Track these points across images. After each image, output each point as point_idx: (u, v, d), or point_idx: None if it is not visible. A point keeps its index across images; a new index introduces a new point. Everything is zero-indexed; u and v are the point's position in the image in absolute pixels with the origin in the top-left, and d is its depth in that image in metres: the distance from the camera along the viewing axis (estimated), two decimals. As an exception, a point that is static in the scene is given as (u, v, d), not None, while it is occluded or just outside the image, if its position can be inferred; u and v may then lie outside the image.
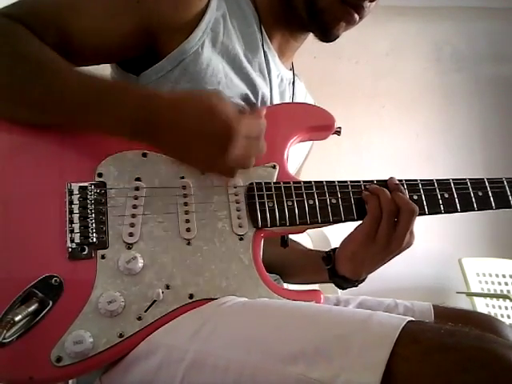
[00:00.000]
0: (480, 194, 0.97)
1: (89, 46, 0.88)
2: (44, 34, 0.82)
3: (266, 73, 1.03)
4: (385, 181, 0.94)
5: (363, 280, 0.99)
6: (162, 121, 0.76)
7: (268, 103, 1.02)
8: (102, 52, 0.90)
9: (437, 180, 0.96)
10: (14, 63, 0.78)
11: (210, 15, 0.93)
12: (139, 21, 0.88)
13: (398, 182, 0.93)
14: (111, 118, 0.77)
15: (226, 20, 0.96)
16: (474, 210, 0.96)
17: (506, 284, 2.99)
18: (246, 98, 0.97)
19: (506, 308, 2.84)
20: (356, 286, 0.99)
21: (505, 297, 2.84)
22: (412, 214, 0.87)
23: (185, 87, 0.91)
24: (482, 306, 2.81)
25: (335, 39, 1.03)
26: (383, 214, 0.88)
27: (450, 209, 0.94)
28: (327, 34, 1.02)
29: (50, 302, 0.72)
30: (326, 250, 1.03)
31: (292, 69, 1.17)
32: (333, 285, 1.54)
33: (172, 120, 0.76)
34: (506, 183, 0.99)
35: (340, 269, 0.97)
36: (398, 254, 0.91)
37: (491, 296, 2.90)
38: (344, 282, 0.99)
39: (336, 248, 1.00)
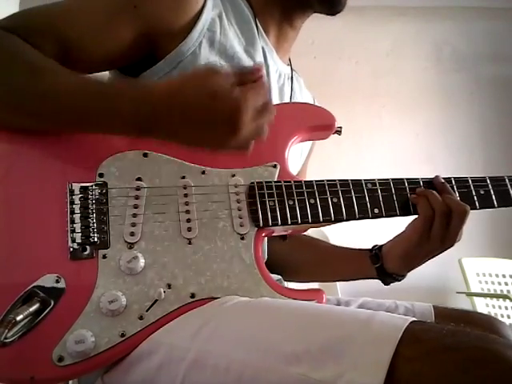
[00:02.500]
0: (482, 192, 0.97)
1: (88, 55, 0.87)
2: (41, 46, 0.81)
3: (265, 68, 1.03)
4: (385, 180, 0.95)
5: (406, 275, 1.03)
6: (164, 113, 0.73)
7: None
8: (101, 60, 0.89)
9: None
10: (9, 72, 0.77)
11: (207, 15, 0.93)
12: (137, 26, 0.87)
13: (444, 181, 0.96)
14: (113, 121, 0.76)
15: (223, 18, 0.96)
16: (475, 208, 0.96)
17: (506, 284, 2.98)
18: None
19: (506, 308, 2.84)
20: (399, 280, 1.03)
21: (505, 297, 2.83)
22: (464, 214, 0.91)
23: None
24: (482, 305, 2.81)
25: (342, 9, 1.04)
26: (435, 215, 0.91)
27: None
28: (335, 3, 1.03)
29: (52, 302, 0.72)
30: (366, 248, 1.07)
31: (290, 64, 1.17)
32: (333, 286, 1.55)
33: (175, 110, 0.73)
34: (507, 181, 0.99)
35: (389, 267, 1.01)
36: (448, 248, 0.94)
37: (491, 296, 2.89)
38: (390, 278, 1.03)
39: (379, 246, 1.04)
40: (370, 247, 1.06)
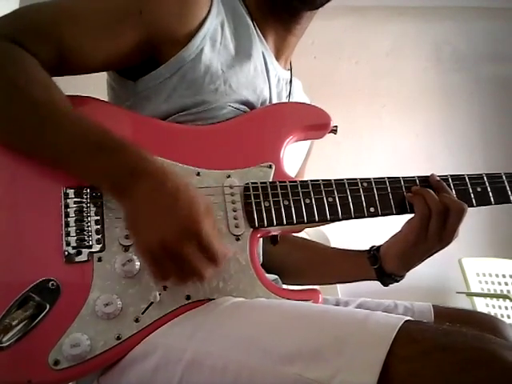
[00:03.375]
0: (479, 189, 0.97)
1: (90, 59, 0.87)
2: (41, 50, 0.81)
3: (265, 74, 1.03)
4: (382, 178, 0.94)
5: (405, 275, 1.02)
6: (144, 183, 0.72)
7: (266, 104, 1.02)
8: (102, 64, 0.90)
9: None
10: (7, 95, 0.77)
11: (210, 23, 0.93)
12: (141, 32, 0.88)
13: (439, 179, 0.95)
14: (95, 174, 0.76)
15: (225, 26, 0.96)
16: (472, 205, 0.96)
17: (506, 284, 2.98)
18: (246, 103, 0.96)
19: (506, 308, 2.83)
20: (398, 281, 1.02)
21: (505, 297, 2.83)
22: (462, 212, 0.90)
23: (183, 94, 0.91)
24: (482, 306, 2.81)
25: (323, 3, 1.00)
26: (432, 214, 0.90)
27: None
28: None
29: (47, 306, 0.72)
30: (364, 249, 1.06)
31: (290, 69, 1.16)
32: (332, 286, 1.54)
33: (154, 186, 0.72)
34: (504, 178, 0.99)
35: (388, 267, 1.00)
36: (446, 247, 0.93)
37: (491, 296, 2.89)
38: (389, 279, 1.01)
39: (376, 246, 1.03)
40: (368, 248, 1.05)
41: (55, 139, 0.76)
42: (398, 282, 1.02)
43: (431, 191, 0.92)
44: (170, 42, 0.90)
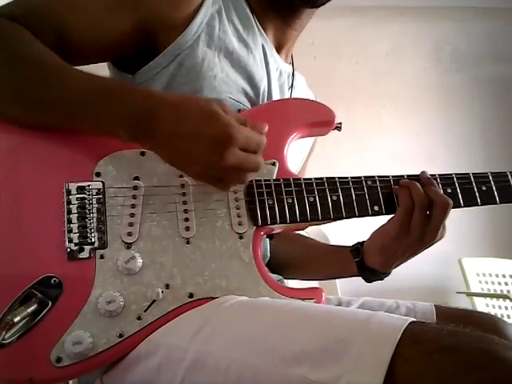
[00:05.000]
0: (484, 188, 0.96)
1: (87, 44, 0.88)
2: (42, 33, 0.82)
3: (265, 66, 1.03)
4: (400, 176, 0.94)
5: (389, 273, 1.00)
6: (160, 122, 0.72)
7: (266, 97, 1.02)
8: (100, 50, 0.90)
9: (440, 175, 0.96)
10: (13, 63, 0.78)
11: (206, 10, 0.93)
12: (138, 18, 0.88)
13: (430, 177, 0.94)
14: (110, 119, 0.75)
15: (222, 15, 0.97)
16: (477, 204, 0.95)
17: (506, 284, 2.98)
18: (244, 93, 0.97)
19: (506, 308, 2.84)
20: (382, 279, 1.00)
21: (505, 297, 2.83)
22: (446, 206, 0.89)
23: (181, 81, 0.91)
24: (482, 306, 2.81)
25: (323, 2, 1.01)
26: (415, 206, 0.89)
27: (453, 204, 0.92)
28: None
29: (50, 303, 0.72)
30: (350, 244, 1.04)
31: (292, 62, 1.16)
32: (333, 285, 1.54)
33: (171, 121, 0.72)
34: (510, 177, 0.98)
35: (369, 261, 0.98)
36: (430, 246, 0.92)
37: (491, 296, 2.89)
38: (371, 275, 1.00)
39: (363, 241, 1.01)
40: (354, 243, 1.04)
41: (64, 93, 0.77)
42: (381, 279, 1.01)
43: (417, 184, 0.91)
44: (165, 28, 0.90)
